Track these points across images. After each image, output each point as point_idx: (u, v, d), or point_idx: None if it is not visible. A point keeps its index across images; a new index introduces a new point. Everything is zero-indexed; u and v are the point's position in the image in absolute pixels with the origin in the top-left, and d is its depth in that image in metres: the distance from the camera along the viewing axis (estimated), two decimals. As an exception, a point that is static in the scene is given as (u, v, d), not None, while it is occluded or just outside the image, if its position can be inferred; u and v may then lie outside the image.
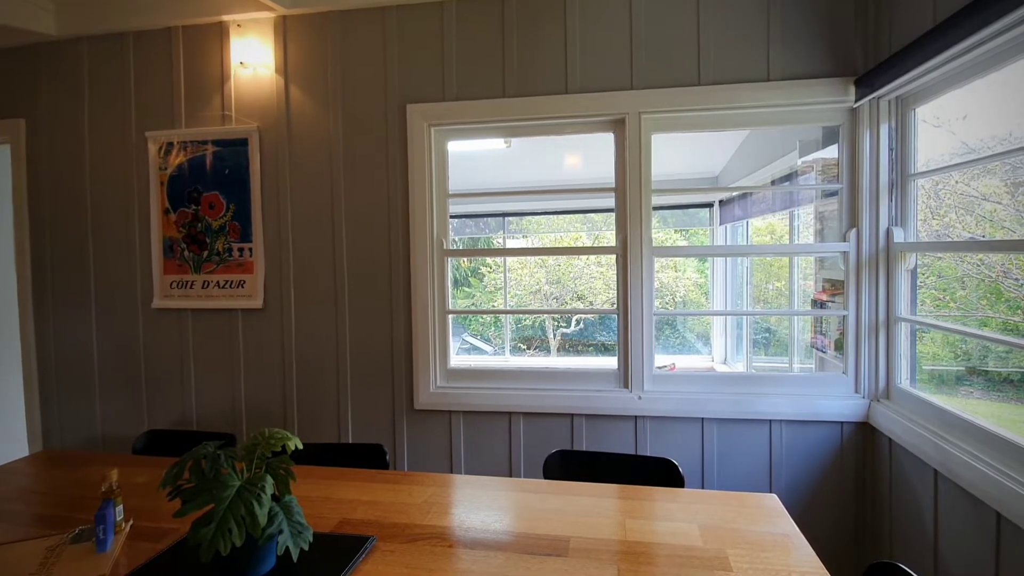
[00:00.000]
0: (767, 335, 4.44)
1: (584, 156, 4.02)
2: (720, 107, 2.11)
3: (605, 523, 1.25)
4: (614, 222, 2.25)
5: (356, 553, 1.10)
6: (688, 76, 2.11)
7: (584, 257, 9.71)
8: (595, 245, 8.86)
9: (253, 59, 2.32)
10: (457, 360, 2.45)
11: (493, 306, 8.93)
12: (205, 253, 2.40)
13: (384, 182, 2.29)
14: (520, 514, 1.30)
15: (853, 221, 2.07)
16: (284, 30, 2.33)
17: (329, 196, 2.33)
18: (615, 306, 2.23)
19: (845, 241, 2.08)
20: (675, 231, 7.76)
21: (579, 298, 9.50)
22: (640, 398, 2.17)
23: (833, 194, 2.19)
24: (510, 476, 2.25)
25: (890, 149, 1.99)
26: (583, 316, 9.19)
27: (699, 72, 2.11)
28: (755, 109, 2.12)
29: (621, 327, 2.23)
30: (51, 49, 2.54)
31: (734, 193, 4.57)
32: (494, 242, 8.40)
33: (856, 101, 2.00)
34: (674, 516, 1.28)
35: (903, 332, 1.99)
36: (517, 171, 4.24)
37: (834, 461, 2.07)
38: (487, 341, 8.97)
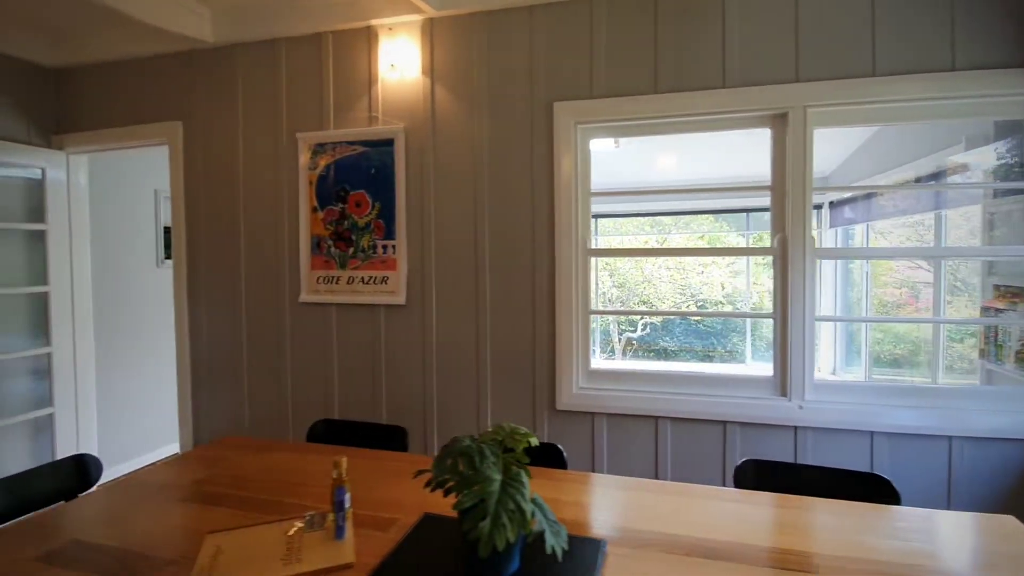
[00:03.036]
0: (896, 344, 4.14)
1: (699, 155, 3.89)
2: (896, 99, 1.97)
3: (839, 539, 1.16)
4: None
5: (594, 557, 1.07)
6: (862, 66, 1.98)
7: (653, 260, 9.48)
8: (711, 246, 8.58)
9: (401, 61, 2.37)
10: (596, 362, 2.41)
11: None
12: (351, 250, 2.47)
13: (528, 181, 2.28)
14: (741, 524, 1.23)
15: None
16: (431, 32, 2.37)
17: (472, 195, 2.34)
18: (762, 309, 2.12)
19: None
20: (761, 234, 7.42)
21: (643, 302, 9.27)
22: (801, 408, 2.05)
23: (1014, 192, 1.99)
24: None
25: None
26: (649, 320, 8.96)
27: (874, 62, 1.97)
28: (933, 101, 1.96)
29: (778, 332, 2.12)
30: (207, 56, 2.69)
31: (862, 193, 4.29)
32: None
33: (1066, 89, 1.81)
34: (908, 536, 1.18)
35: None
36: (625, 171, 4.16)
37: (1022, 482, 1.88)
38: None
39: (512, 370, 2.30)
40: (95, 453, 3.00)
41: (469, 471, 0.96)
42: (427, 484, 1.01)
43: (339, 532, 1.14)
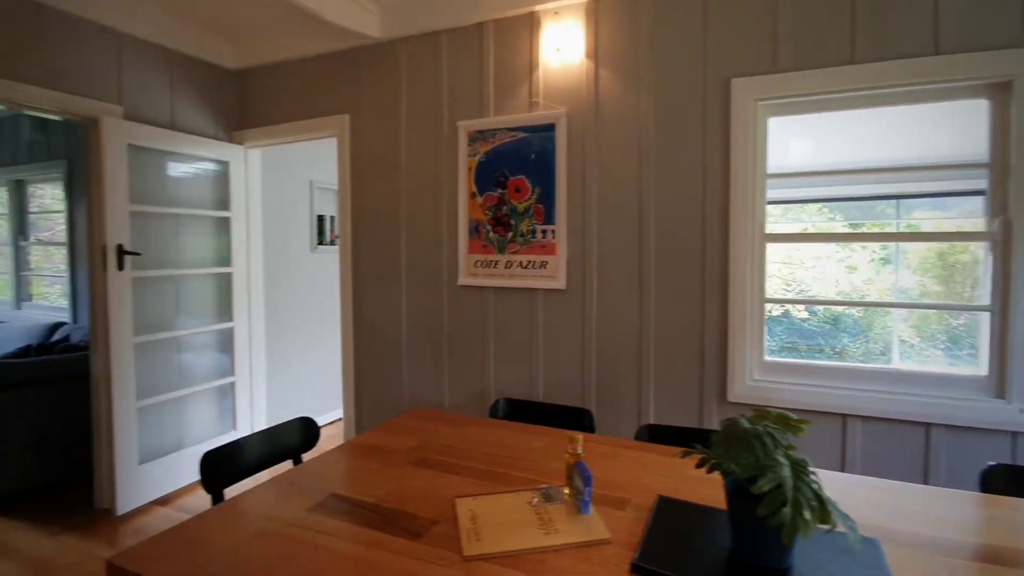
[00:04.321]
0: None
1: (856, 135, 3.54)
2: None
3: None
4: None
5: (876, 556, 1.00)
6: (1122, 20, 1.70)
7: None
8: (910, 231, 7.97)
9: (565, 44, 2.36)
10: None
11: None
12: (509, 235, 2.52)
13: (699, 163, 2.19)
14: (1017, 532, 1.10)
15: None
16: (596, 14, 2.34)
17: (637, 178, 2.29)
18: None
19: None
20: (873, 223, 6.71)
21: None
22: (1023, 411, 1.82)
23: None
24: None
25: None
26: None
27: None
28: None
29: (997, 328, 1.89)
30: (373, 51, 2.84)
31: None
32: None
33: None
34: None
35: None
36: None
37: None
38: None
39: (678, 359, 2.24)
40: (264, 419, 3.31)
41: (758, 454, 0.93)
42: (701, 464, 0.99)
43: (584, 507, 1.16)
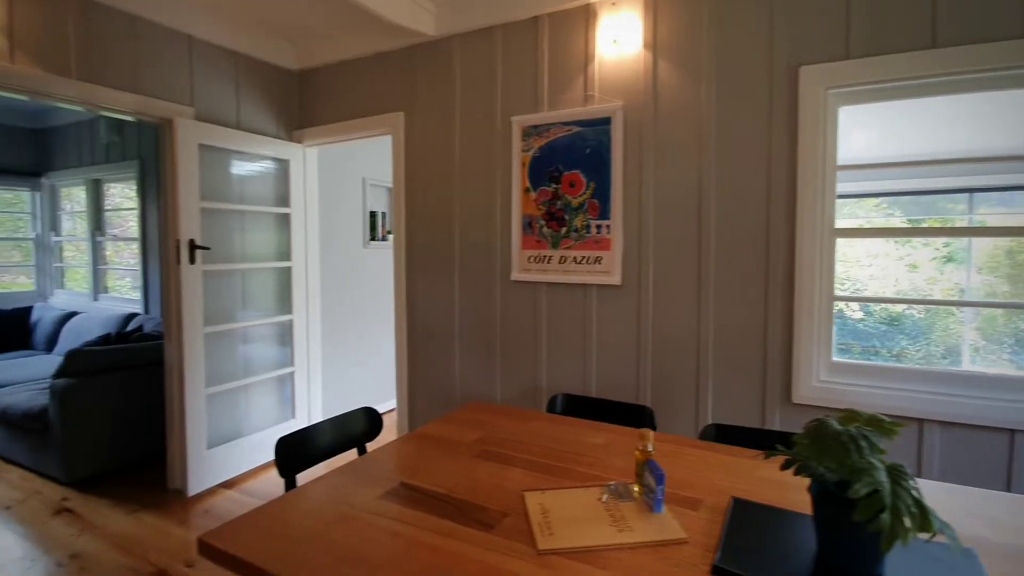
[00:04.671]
0: None
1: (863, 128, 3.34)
2: None
3: None
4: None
5: (976, 569, 0.94)
6: None
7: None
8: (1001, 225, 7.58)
9: (623, 36, 2.32)
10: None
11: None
12: (563, 230, 2.51)
13: (764, 156, 2.12)
14: None
15: None
16: (655, 3, 2.29)
17: (696, 172, 2.24)
18: None
19: None
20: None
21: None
22: None
23: None
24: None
25: None
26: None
27: None
28: None
29: (1098, 329, 1.75)
30: (428, 48, 2.88)
31: None
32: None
33: None
34: None
35: None
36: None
37: None
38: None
39: (738, 358, 2.18)
40: (320, 409, 3.42)
41: (853, 457, 0.89)
42: (787, 466, 0.96)
43: (657, 506, 1.14)
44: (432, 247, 2.90)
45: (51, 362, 3.88)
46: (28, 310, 4.72)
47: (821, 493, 0.95)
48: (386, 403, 4.10)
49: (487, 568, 0.96)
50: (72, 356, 2.86)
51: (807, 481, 1.20)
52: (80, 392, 2.84)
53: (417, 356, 2.98)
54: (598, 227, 2.43)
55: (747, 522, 1.10)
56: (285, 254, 3.26)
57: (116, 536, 2.43)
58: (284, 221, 3.25)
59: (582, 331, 2.50)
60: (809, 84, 2.03)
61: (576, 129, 2.46)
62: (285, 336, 3.30)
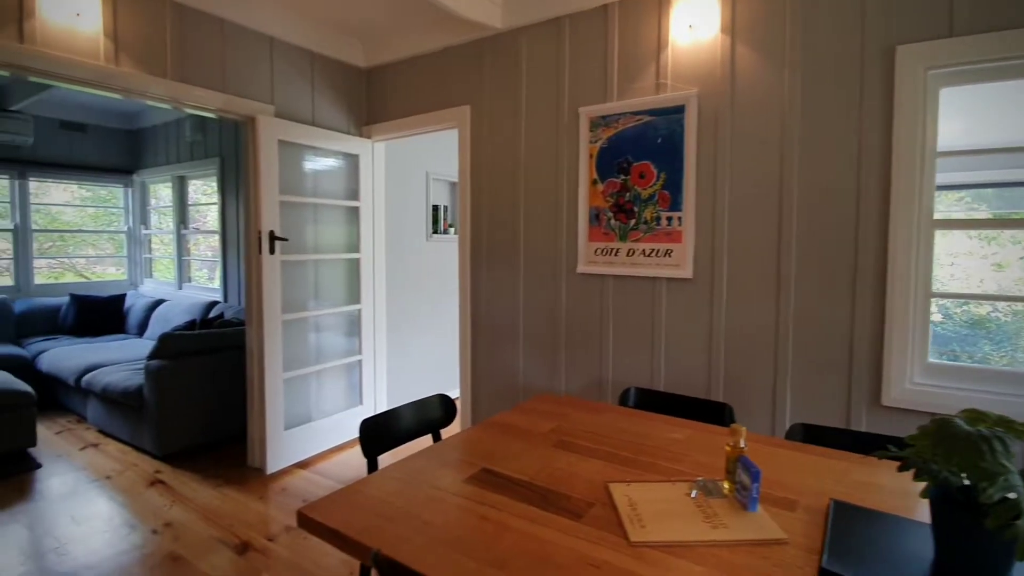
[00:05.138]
0: None
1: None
2: None
3: None
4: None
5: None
6: None
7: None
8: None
9: (699, 20, 2.25)
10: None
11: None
12: (632, 222, 2.46)
13: (854, 144, 2.00)
14: None
15: None
16: (734, -15, 2.20)
17: (777, 160, 2.14)
18: None
19: None
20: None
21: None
22: None
23: None
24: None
25: None
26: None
27: None
28: None
29: None
30: (494, 41, 2.89)
31: None
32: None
33: None
34: None
35: None
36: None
37: None
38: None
39: (820, 357, 2.08)
40: (385, 396, 3.52)
41: (986, 460, 0.83)
42: (905, 467, 0.91)
43: (752, 504, 1.10)
44: (496, 240, 2.92)
45: (143, 345, 4.20)
46: (122, 297, 5.12)
47: (942, 497, 0.89)
48: (450, 393, 4.17)
49: (579, 557, 0.96)
50: (164, 340, 3.08)
51: (909, 485, 1.14)
52: (171, 373, 3.06)
53: (480, 347, 3.01)
54: (668, 219, 2.37)
55: (851, 525, 1.05)
56: (354, 246, 3.38)
57: (204, 508, 2.60)
58: (353, 214, 3.37)
59: (650, 325, 2.45)
60: (907, 65, 1.89)
61: (647, 118, 2.41)
62: (353, 325, 3.42)
